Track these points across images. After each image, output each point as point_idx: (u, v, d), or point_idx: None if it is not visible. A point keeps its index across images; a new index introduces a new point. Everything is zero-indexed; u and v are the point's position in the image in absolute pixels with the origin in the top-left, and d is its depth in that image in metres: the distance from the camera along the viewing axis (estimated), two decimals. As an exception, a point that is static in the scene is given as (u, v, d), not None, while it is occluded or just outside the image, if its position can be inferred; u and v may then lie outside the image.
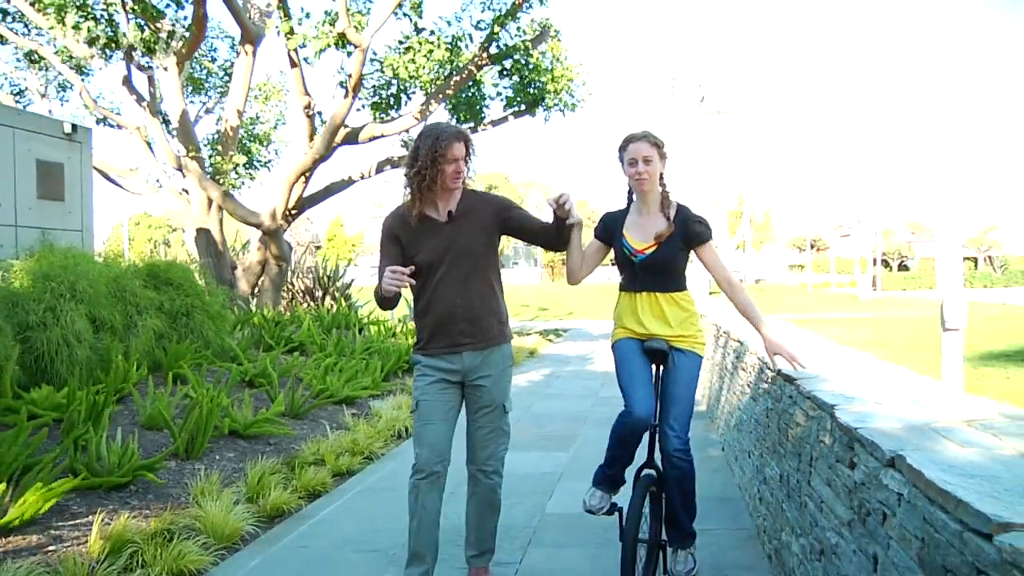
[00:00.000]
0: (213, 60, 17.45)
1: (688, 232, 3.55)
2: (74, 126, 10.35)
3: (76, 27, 10.57)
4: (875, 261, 45.50)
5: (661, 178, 3.63)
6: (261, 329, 11.14)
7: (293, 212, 13.94)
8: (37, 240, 9.37)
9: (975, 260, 71.13)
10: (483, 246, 3.51)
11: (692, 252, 3.63)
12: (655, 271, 3.55)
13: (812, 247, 68.54)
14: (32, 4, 11.56)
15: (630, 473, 3.67)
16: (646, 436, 3.57)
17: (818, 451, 2.77)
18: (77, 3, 11.00)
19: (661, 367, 3.61)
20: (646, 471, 3.60)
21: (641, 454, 3.63)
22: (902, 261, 73.37)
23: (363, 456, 6.61)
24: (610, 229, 3.72)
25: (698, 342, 3.62)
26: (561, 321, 24.87)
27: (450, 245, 3.44)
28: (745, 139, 37.62)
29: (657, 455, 3.60)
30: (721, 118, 25.84)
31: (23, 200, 9.55)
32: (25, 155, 9.57)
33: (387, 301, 3.43)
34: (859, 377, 3.41)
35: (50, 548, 4.32)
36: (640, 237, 3.60)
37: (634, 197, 3.73)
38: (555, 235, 3.48)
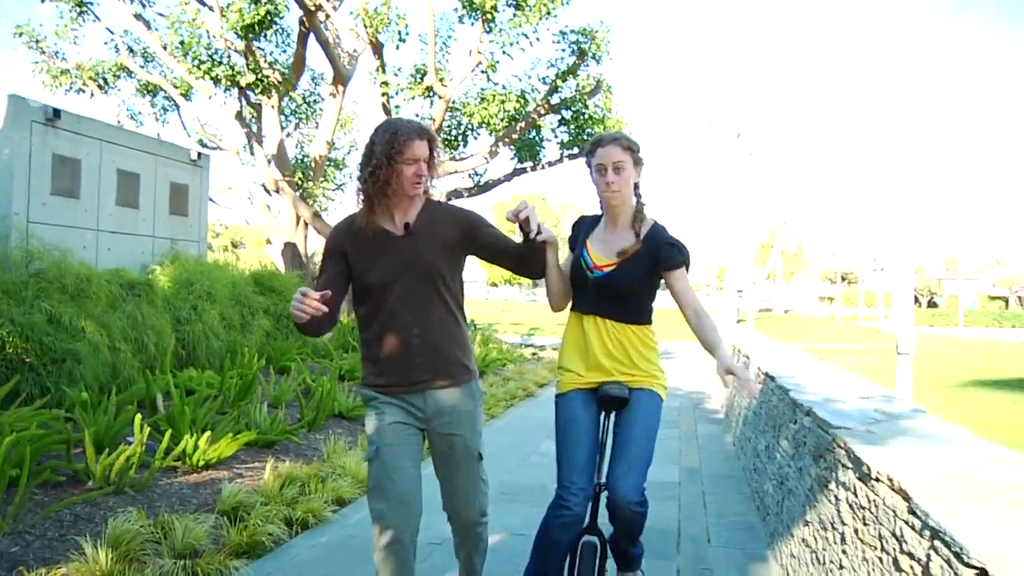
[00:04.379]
0: (295, 89, 19.44)
1: (658, 254, 3.01)
2: (199, 153, 12.33)
3: (208, 71, 12.67)
4: (902, 297, 46.32)
5: (636, 188, 3.13)
6: (345, 333, 12.97)
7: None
8: (168, 249, 11.31)
9: (1006, 300, 71.37)
10: (445, 265, 2.98)
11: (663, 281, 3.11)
12: (610, 293, 3.06)
13: (843, 280, 69.42)
14: (163, 47, 13.72)
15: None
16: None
17: (782, 420, 4.46)
18: (207, 50, 13.15)
19: (614, 413, 3.10)
20: (587, 538, 3.07)
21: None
22: (931, 297, 73.90)
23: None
24: (576, 236, 3.29)
25: (659, 383, 3.13)
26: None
27: (406, 262, 2.92)
28: (777, 175, 39.09)
29: (602, 517, 3.06)
30: (754, 155, 27.34)
31: (159, 215, 11.49)
32: (162, 178, 11.53)
33: (306, 328, 2.80)
34: (816, 379, 5.09)
35: (237, 480, 6.00)
36: (602, 251, 3.12)
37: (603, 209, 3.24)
38: (527, 256, 2.99)
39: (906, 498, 2.10)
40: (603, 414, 3.10)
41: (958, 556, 1.68)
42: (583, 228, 3.24)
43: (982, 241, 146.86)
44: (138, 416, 5.69)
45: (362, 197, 2.93)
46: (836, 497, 2.90)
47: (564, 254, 3.26)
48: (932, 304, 72.51)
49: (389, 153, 2.81)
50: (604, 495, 2.99)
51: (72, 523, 4.55)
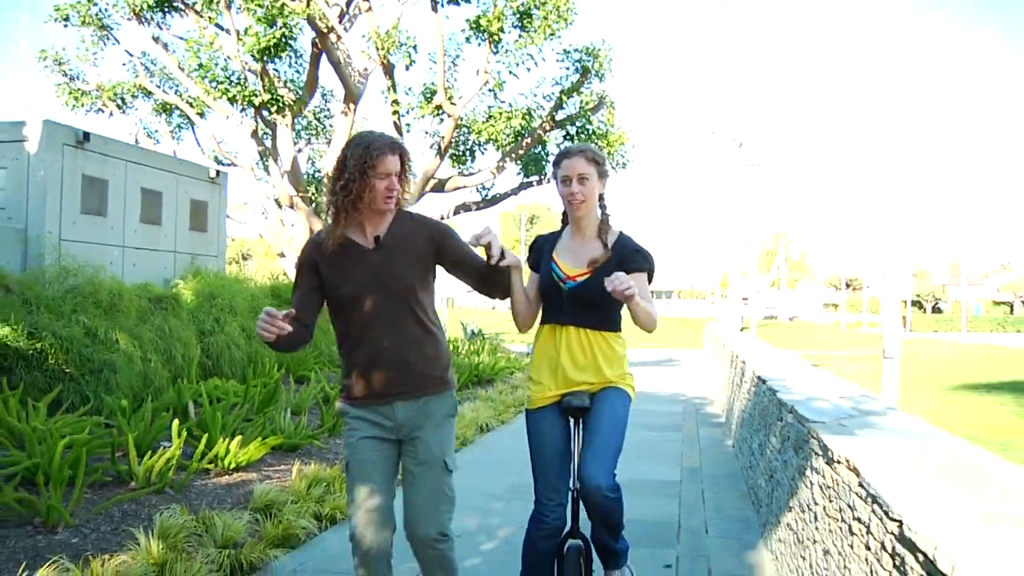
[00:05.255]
0: (307, 107, 19.98)
1: (624, 260, 3.14)
2: (217, 172, 12.85)
3: (225, 92, 13.23)
4: (905, 303, 46.92)
5: (601, 199, 3.24)
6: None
7: (385, 245, 16.43)
8: (189, 263, 11.79)
9: (1011, 305, 71.45)
10: (416, 278, 2.99)
11: None
12: (586, 303, 3.15)
13: (847, 286, 69.66)
14: (180, 68, 14.32)
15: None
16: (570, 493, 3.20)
17: (771, 419, 4.88)
18: (223, 71, 13.75)
19: (582, 419, 3.21)
20: (571, 542, 3.21)
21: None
22: (936, 303, 74.02)
23: (459, 441, 8.71)
24: (539, 254, 3.34)
25: (627, 383, 3.25)
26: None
27: (377, 277, 2.93)
28: (780, 184, 39.51)
29: (583, 520, 3.21)
30: (757, 165, 27.76)
31: (180, 231, 11.99)
32: (183, 195, 12.03)
33: (276, 345, 2.83)
34: (803, 381, 5.50)
35: (266, 481, 6.41)
36: (572, 262, 3.21)
37: (568, 220, 3.34)
38: (490, 276, 3.06)
39: (857, 474, 2.52)
40: (571, 421, 3.21)
41: (886, 513, 2.10)
42: (545, 246, 3.32)
43: (987, 246, 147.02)
44: (175, 422, 6.13)
45: (332, 210, 2.93)
46: (811, 482, 3.32)
47: (527, 276, 3.33)
48: (936, 309, 72.60)
49: (362, 167, 2.81)
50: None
51: (121, 518, 4.99)
